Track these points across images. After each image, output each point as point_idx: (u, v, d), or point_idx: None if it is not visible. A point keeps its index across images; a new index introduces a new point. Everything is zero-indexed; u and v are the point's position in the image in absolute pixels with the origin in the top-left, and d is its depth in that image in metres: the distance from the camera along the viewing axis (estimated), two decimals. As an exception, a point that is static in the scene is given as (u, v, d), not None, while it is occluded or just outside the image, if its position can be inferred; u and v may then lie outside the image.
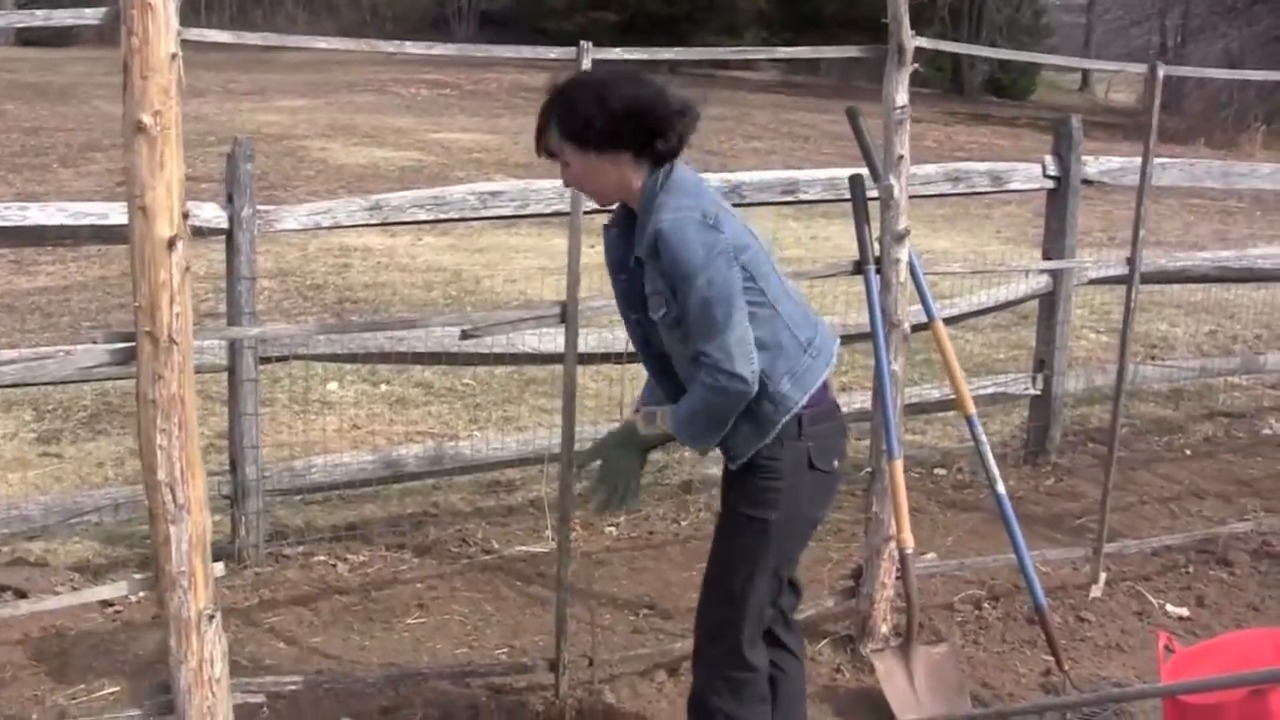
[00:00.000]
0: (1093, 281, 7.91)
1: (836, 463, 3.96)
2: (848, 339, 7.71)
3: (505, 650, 5.51)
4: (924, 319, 5.44)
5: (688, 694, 4.20)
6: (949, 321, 6.73)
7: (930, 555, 5.83)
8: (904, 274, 5.23)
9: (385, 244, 12.91)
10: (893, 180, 5.19)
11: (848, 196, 7.13)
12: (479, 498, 7.07)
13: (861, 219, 5.25)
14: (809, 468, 3.84)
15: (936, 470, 7.80)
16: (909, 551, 5.15)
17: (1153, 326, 10.81)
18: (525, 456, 6.64)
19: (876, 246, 5.25)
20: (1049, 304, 7.75)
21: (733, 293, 3.61)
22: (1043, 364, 7.82)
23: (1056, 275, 7.62)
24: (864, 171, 5.35)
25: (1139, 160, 5.99)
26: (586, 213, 4.57)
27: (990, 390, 7.74)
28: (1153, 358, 9.84)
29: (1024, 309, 9.05)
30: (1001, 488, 5.31)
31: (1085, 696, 5.02)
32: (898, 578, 5.39)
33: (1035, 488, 7.57)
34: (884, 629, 5.49)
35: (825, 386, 3.91)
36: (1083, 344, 10.14)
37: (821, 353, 3.86)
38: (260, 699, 4.53)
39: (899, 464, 5.15)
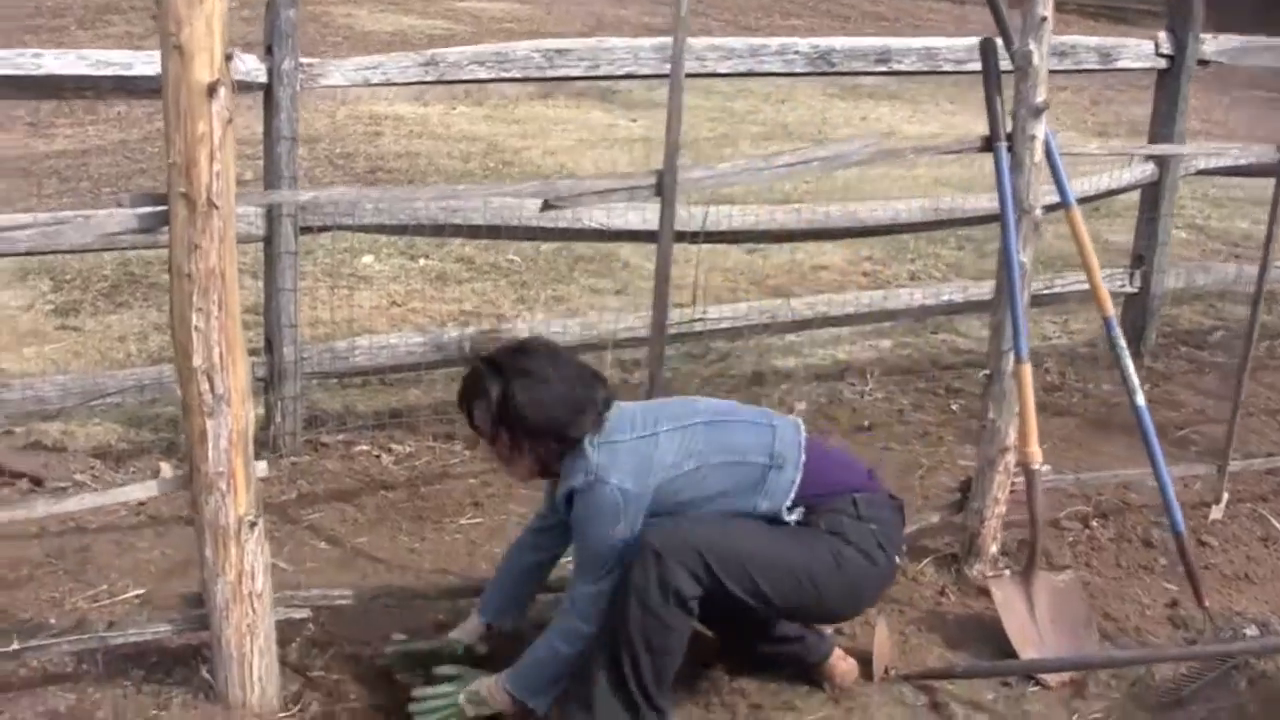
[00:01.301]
0: (1201, 172, 7.18)
1: (897, 558, 3.94)
2: (929, 226, 7.06)
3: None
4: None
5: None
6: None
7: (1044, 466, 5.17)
8: (1039, 153, 4.51)
9: (418, 113, 12.11)
10: (1032, 46, 4.45)
11: (942, 69, 6.49)
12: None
13: (993, 88, 4.53)
14: (879, 548, 3.78)
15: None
16: (1036, 468, 4.48)
17: (1233, 224, 10.06)
18: (588, 342, 5.94)
19: (1008, 121, 4.52)
20: (1152, 195, 7.03)
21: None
22: (1141, 259, 7.10)
23: (1164, 164, 6.88)
24: (997, 39, 4.59)
25: (1263, 39, 5.22)
26: (689, 76, 3.86)
27: (1085, 286, 7.00)
28: (1236, 256, 9.11)
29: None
30: (1141, 399, 4.64)
31: (1250, 644, 4.36)
32: (1011, 493, 4.75)
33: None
34: (993, 549, 4.85)
35: (829, 473, 3.84)
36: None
37: (787, 459, 3.75)
38: (305, 613, 3.90)
39: (1027, 368, 4.48)
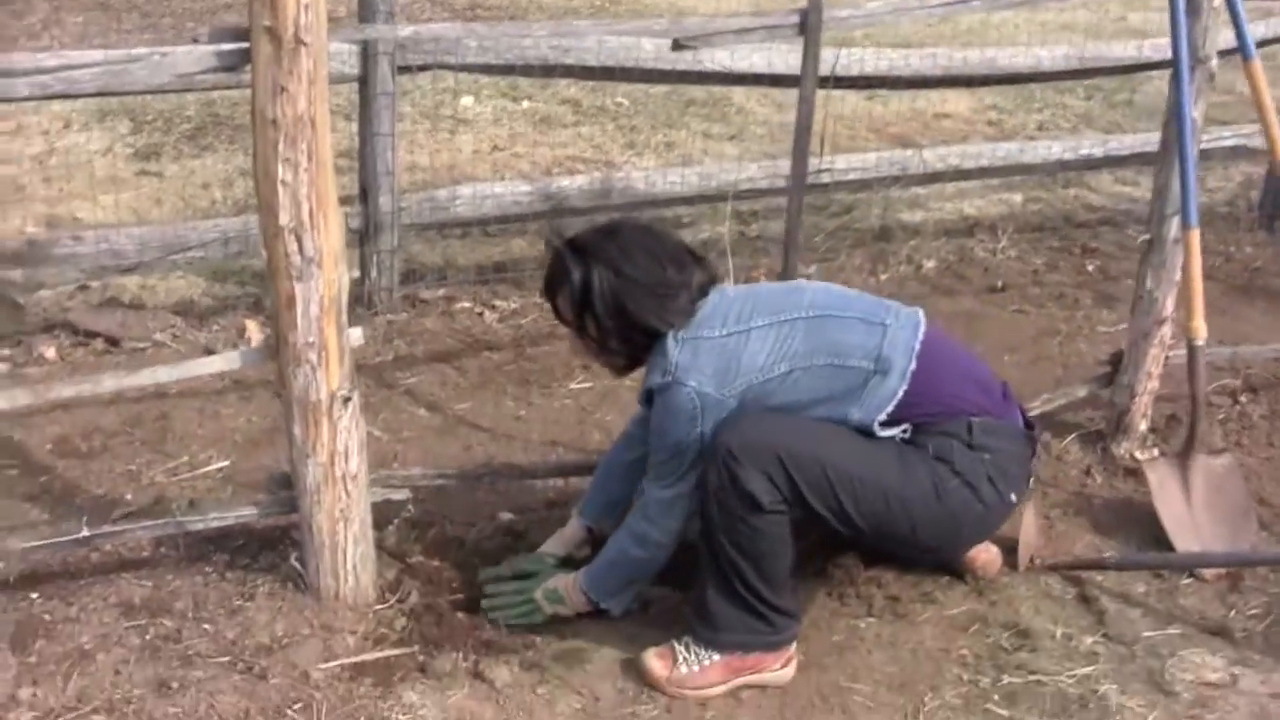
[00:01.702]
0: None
1: (1012, 495, 3.39)
2: (1071, 75, 6.51)
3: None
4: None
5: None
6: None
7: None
8: (1218, -5, 4.00)
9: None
10: None
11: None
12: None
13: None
14: (988, 481, 3.29)
15: (1135, 231, 6.59)
16: (1200, 344, 4.03)
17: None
18: (705, 194, 5.52)
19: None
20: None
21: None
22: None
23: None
24: None
25: None
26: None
27: (1230, 142, 6.48)
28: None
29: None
30: None
31: None
32: (1164, 367, 4.32)
33: (1276, 256, 6.35)
34: (1142, 427, 4.43)
35: (946, 388, 3.33)
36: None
37: (894, 365, 3.25)
38: (404, 494, 3.57)
39: (1196, 235, 4.00)
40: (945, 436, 3.24)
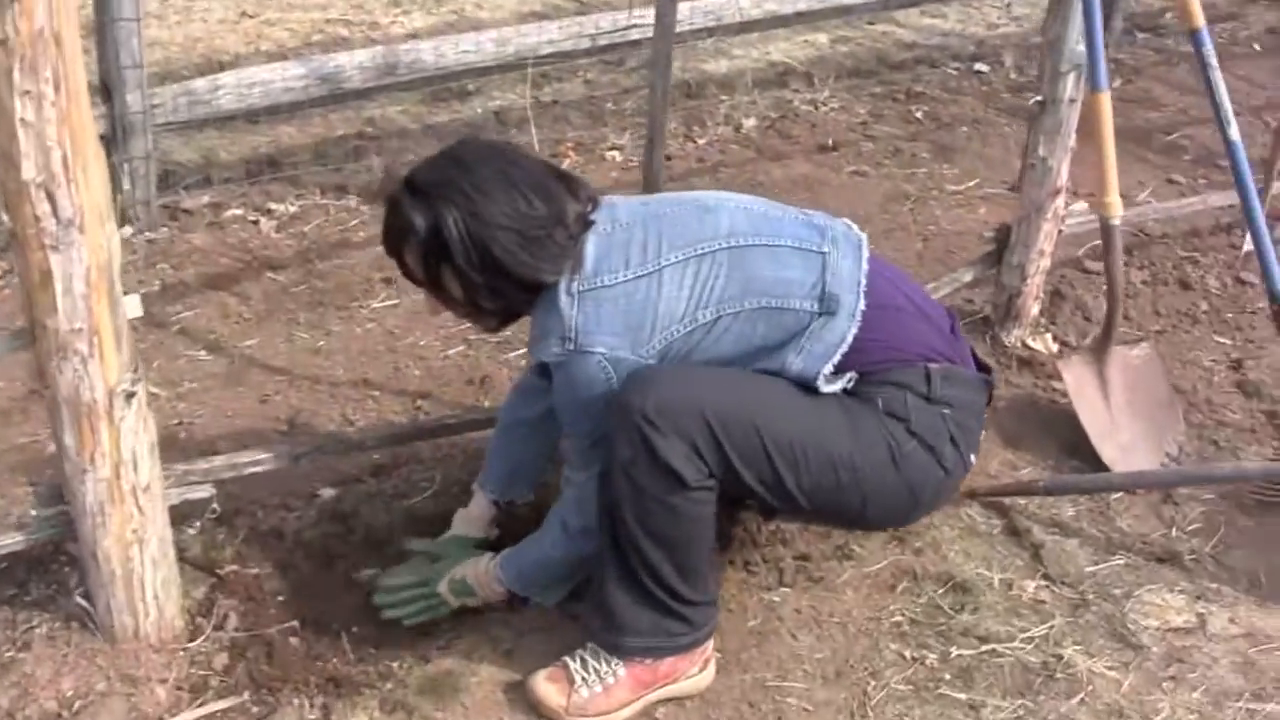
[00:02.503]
0: None
1: (971, 456, 2.73)
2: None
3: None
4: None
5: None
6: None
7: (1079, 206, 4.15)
8: None
9: None
10: None
11: None
12: (427, 110, 5.16)
13: None
14: (950, 442, 2.63)
15: (977, 67, 6.05)
16: (1115, 223, 3.48)
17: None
18: (504, 62, 4.73)
19: None
20: None
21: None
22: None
23: None
24: None
25: None
26: None
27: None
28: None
29: None
30: (1236, 132, 3.54)
31: None
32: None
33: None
34: (1034, 310, 3.91)
35: (896, 326, 2.64)
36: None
37: (841, 304, 2.56)
38: (207, 492, 2.79)
39: (1106, 98, 3.40)
40: (897, 388, 2.59)
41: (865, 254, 2.64)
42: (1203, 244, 4.52)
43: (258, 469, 2.85)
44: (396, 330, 3.88)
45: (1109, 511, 3.31)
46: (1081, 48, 3.45)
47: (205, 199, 4.36)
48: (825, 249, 2.59)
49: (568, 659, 2.62)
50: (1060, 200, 3.74)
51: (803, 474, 2.50)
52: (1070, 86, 3.57)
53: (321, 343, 3.80)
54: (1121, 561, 3.12)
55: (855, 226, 2.72)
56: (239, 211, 4.37)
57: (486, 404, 3.51)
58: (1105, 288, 3.57)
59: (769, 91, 5.57)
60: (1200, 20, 3.45)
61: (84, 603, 2.61)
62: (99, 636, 2.60)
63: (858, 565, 3.03)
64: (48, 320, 2.28)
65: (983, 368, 2.80)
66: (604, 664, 2.59)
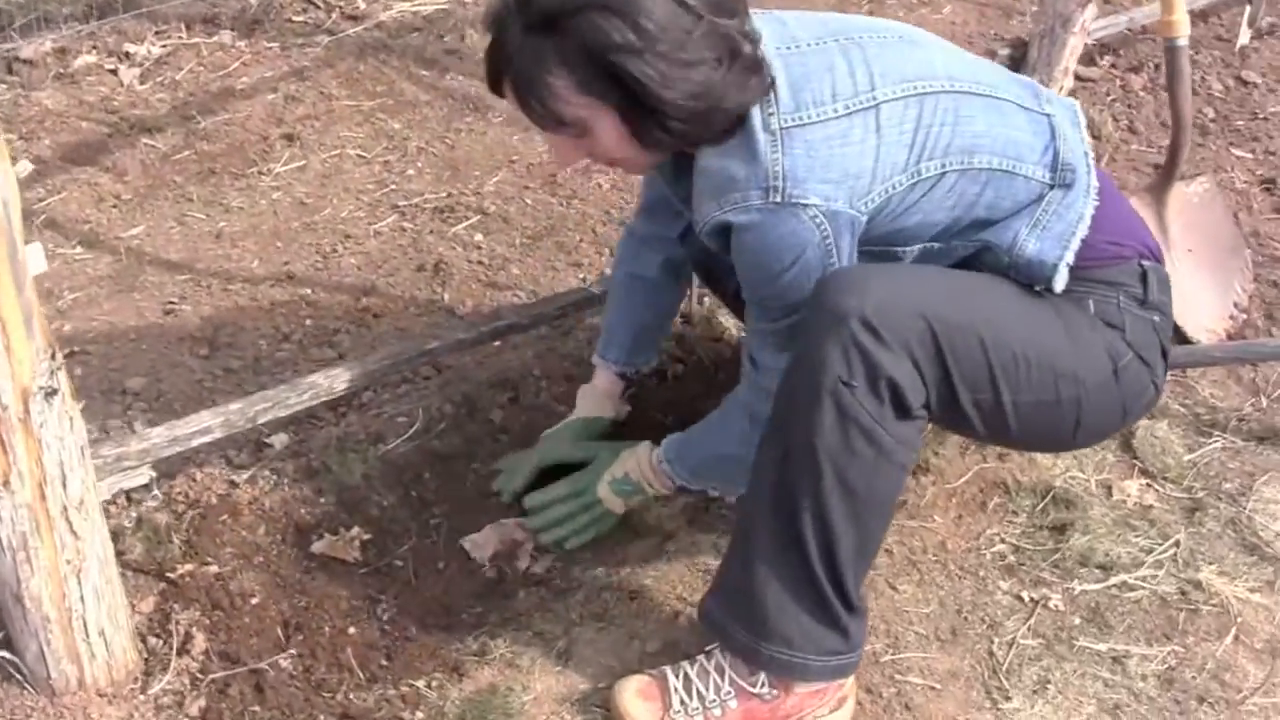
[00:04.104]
0: None
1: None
2: None
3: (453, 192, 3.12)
4: None
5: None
6: None
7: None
8: None
9: None
10: None
11: None
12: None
13: None
14: (1162, 356, 2.08)
15: None
16: (1182, 43, 2.88)
17: None
18: None
19: None
20: None
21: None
22: None
23: None
24: None
25: None
26: None
27: None
28: None
29: None
30: None
31: None
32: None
33: None
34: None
35: (1113, 214, 2.07)
36: None
37: (1076, 176, 2.01)
38: (146, 476, 2.10)
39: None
40: (1110, 288, 2.02)
41: (1083, 121, 2.07)
42: (1195, 36, 3.95)
43: (207, 438, 2.15)
44: (309, 200, 3.14)
45: (1185, 379, 2.80)
46: None
47: (48, 45, 3.48)
48: (1049, 110, 2.03)
49: (668, 671, 2.01)
50: (1090, 9, 3.13)
51: (1022, 390, 1.92)
52: None
53: (222, 223, 3.05)
54: (1218, 444, 2.63)
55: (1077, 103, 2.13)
56: (91, 59, 3.51)
57: (589, 281, 2.85)
58: (1170, 116, 2.97)
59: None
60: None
61: (5, 654, 1.91)
62: (35, 691, 1.92)
63: (939, 480, 2.48)
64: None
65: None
66: (712, 689, 1.98)
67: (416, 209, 3.12)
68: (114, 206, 3.07)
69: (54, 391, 1.69)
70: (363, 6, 3.83)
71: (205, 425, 2.13)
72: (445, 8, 3.86)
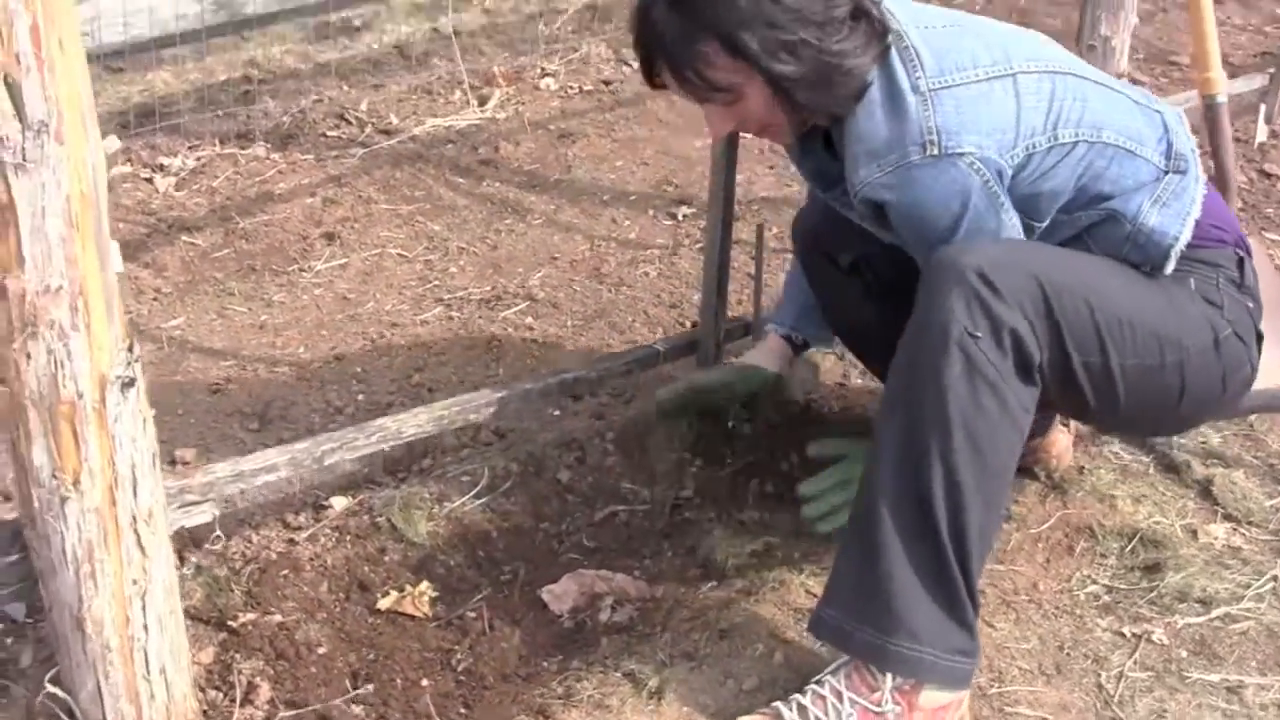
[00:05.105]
0: None
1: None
2: None
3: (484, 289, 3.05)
4: None
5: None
6: None
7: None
8: None
9: None
10: None
11: None
12: (315, 48, 4.28)
13: None
14: (1258, 338, 2.13)
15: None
16: (1221, 100, 2.86)
17: None
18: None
19: None
20: None
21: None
22: None
23: None
24: None
25: None
26: None
27: None
28: None
29: None
30: None
31: None
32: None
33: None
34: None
35: (1216, 205, 2.16)
36: None
37: (1189, 164, 2.09)
38: (209, 514, 1.98)
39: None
40: (1211, 268, 2.07)
41: (1187, 123, 2.14)
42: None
43: (272, 476, 2.03)
44: (351, 295, 3.06)
45: (1254, 433, 2.70)
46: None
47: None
48: (1159, 107, 2.12)
49: (780, 707, 1.86)
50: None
51: (1128, 352, 1.93)
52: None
53: (264, 316, 2.97)
54: (1294, 490, 2.52)
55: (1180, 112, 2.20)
56: (126, 169, 3.48)
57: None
58: (1214, 172, 2.94)
59: None
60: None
61: (56, 690, 1.76)
62: (87, 734, 1.77)
63: (1021, 527, 2.36)
64: (6, 279, 1.45)
65: None
66: (831, 714, 1.84)
67: (462, 301, 3.05)
68: (154, 299, 2.99)
69: (131, 383, 1.59)
70: (395, 121, 3.80)
71: (271, 462, 2.02)
72: (478, 123, 3.84)
